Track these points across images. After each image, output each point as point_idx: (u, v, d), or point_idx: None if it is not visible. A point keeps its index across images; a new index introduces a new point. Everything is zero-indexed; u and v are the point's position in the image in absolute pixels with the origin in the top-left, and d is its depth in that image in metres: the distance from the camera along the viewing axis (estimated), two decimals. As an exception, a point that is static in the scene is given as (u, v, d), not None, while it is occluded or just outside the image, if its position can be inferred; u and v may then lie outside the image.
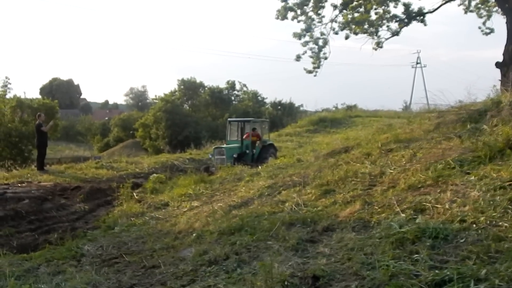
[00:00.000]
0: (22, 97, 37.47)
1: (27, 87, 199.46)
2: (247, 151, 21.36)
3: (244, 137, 21.82)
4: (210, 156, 22.22)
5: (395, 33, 16.71)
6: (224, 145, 22.63)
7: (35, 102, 35.31)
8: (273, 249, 5.71)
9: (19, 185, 14.78)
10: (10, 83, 40.13)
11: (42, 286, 5.76)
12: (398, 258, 4.51)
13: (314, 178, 9.01)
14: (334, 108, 52.76)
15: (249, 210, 8.00)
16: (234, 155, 20.48)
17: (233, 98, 57.14)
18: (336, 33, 16.46)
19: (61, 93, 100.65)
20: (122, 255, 6.89)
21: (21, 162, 28.78)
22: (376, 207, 6.29)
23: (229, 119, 24.62)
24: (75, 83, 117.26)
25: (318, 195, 7.78)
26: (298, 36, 16.54)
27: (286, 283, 4.60)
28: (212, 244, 6.47)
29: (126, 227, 8.94)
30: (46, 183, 15.58)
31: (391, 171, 7.72)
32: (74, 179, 17.28)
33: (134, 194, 12.41)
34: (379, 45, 16.75)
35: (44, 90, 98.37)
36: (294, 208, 7.28)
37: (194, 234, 7.28)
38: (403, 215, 5.59)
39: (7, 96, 34.69)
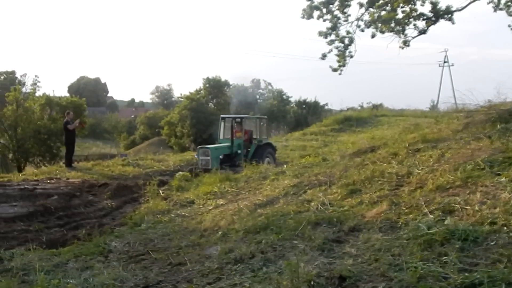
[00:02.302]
0: (51, 95, 37.98)
1: (56, 85, 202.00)
2: (239, 152, 19.43)
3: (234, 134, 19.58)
4: (196, 156, 20.02)
5: (422, 32, 16.49)
6: (211, 145, 20.37)
7: (63, 100, 35.71)
8: (299, 248, 5.68)
9: (48, 181, 15.00)
10: (39, 82, 40.51)
11: (71, 281, 5.78)
12: (426, 260, 4.44)
13: (340, 177, 8.93)
14: (359, 107, 52.45)
15: (275, 209, 7.96)
16: (220, 156, 18.74)
17: (258, 96, 57.21)
18: (362, 30, 16.32)
19: (89, 91, 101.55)
20: (149, 252, 6.91)
21: (49, 159, 29.30)
22: (404, 208, 6.21)
23: (222, 115, 22.26)
24: (102, 81, 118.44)
25: (344, 195, 7.71)
26: (324, 34, 16.38)
27: (312, 283, 4.56)
28: (238, 242, 6.45)
29: (153, 224, 8.96)
30: (74, 179, 15.77)
31: (419, 171, 7.62)
32: (101, 176, 17.47)
33: (160, 191, 12.45)
34: (406, 43, 16.51)
35: (72, 88, 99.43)
36: (320, 208, 7.23)
37: (219, 232, 7.27)
38: (431, 216, 5.51)
39: (37, 94, 35.10)
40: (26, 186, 13.52)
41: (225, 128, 20.79)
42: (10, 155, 30.57)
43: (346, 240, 5.73)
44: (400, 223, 5.73)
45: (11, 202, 11.36)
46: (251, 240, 6.38)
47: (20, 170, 26.70)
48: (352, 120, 36.13)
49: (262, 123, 21.64)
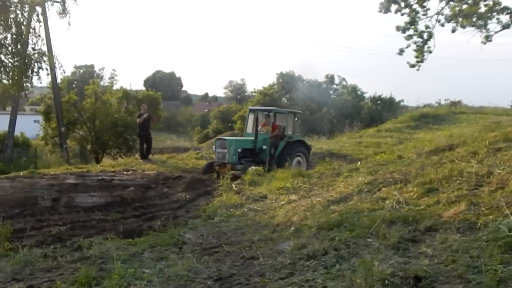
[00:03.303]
0: (128, 88, 39.18)
1: (132, 79, 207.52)
2: (264, 147, 17.56)
3: (258, 128, 17.71)
4: (213, 148, 18.81)
5: (506, 26, 15.88)
6: (229, 137, 19.44)
7: (139, 94, 36.84)
8: (373, 246, 5.63)
9: (124, 173, 15.48)
10: (116, 75, 42.15)
11: (147, 271, 5.92)
12: (507, 263, 4.33)
13: (416, 176, 8.77)
14: (436, 104, 51.19)
15: (348, 206, 7.91)
16: (239, 150, 17.03)
17: (331, 92, 56.75)
18: (442, 25, 15.87)
19: (164, 85, 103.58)
20: (222, 244, 7.00)
21: (126, 151, 30.21)
22: (483, 209, 6.04)
23: (250, 107, 20.81)
24: (177, 75, 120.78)
25: (421, 194, 7.57)
26: (402, 29, 16.06)
27: (386, 282, 4.52)
28: (311, 238, 6.45)
29: (226, 218, 9.05)
30: (150, 172, 16.22)
31: (500, 171, 7.38)
32: (176, 169, 17.89)
33: (233, 185, 12.59)
34: (488, 38, 15.95)
35: (147, 82, 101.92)
36: (395, 206, 7.13)
37: (292, 228, 7.29)
38: (513, 218, 5.34)
39: (114, 88, 36.28)
40: (104, 177, 13.99)
41: (254, 121, 18.73)
42: (89, 147, 31.76)
43: (422, 239, 5.64)
44: (479, 224, 5.59)
45: (90, 192, 11.76)
46: (324, 236, 6.38)
47: (97, 161, 27.74)
48: (429, 117, 35.17)
49: (296, 119, 19.36)
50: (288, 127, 18.59)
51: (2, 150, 28.36)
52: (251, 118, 19.04)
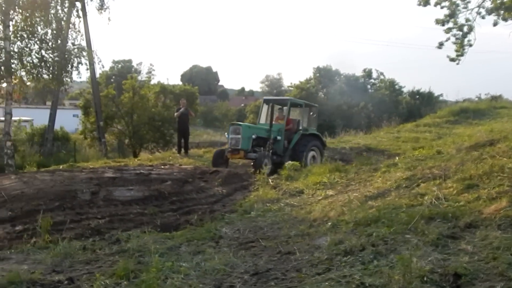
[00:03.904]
0: (165, 83, 39.52)
1: (170, 74, 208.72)
2: (278, 138, 16.97)
3: (273, 121, 17.23)
4: (225, 135, 18.23)
5: (550, 19, 15.47)
6: (244, 123, 18.75)
7: (176, 88, 37.10)
8: (412, 243, 5.59)
9: (162, 167, 15.61)
10: (154, 70, 42.61)
11: (184, 265, 5.99)
12: (550, 261, 4.25)
13: (455, 171, 8.64)
14: (477, 99, 50.08)
15: (386, 201, 7.86)
16: (253, 136, 16.52)
17: (369, 86, 56.24)
18: (483, 18, 15.50)
19: (200, 79, 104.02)
20: (258, 239, 7.03)
21: (163, 145, 30.48)
22: (526, 206, 5.94)
23: (264, 97, 19.70)
24: (214, 70, 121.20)
25: (460, 190, 7.47)
26: (441, 22, 15.69)
27: (425, 278, 4.49)
28: (348, 234, 6.44)
29: (262, 212, 9.08)
30: (187, 166, 16.33)
31: (543, 167, 7.23)
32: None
33: (270, 180, 12.60)
34: (531, 32, 15.57)
35: (184, 77, 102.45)
36: (434, 202, 7.05)
37: (329, 223, 7.28)
38: (557, 215, 5.23)
39: (151, 82, 36.64)
40: (141, 171, 14.12)
41: (267, 113, 18.27)
42: (126, 141, 32.13)
43: (462, 236, 5.57)
44: (521, 221, 5.49)
45: (128, 186, 11.87)
46: (361, 232, 6.35)
47: (135, 155, 28.06)
48: (468, 112, 34.49)
49: (311, 113, 18.99)
50: (303, 120, 18.33)
51: (42, 144, 28.91)
52: (265, 108, 18.74)
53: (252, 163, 15.96)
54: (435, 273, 4.57)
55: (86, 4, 24.38)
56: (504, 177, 7.38)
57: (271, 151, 16.51)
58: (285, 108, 18.27)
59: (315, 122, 19.27)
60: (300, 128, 17.78)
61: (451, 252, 5.15)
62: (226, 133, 18.14)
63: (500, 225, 5.58)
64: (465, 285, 4.33)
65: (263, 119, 18.55)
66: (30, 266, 6.51)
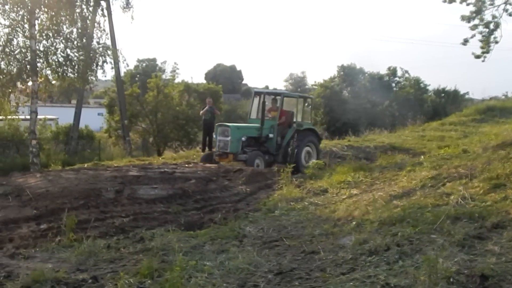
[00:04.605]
0: (189, 82, 39.70)
1: (194, 72, 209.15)
2: (270, 135, 16.07)
3: (266, 111, 16.42)
4: (215, 137, 16.95)
5: None
6: (232, 124, 17.30)
7: (200, 87, 37.22)
8: (437, 243, 5.54)
9: (186, 165, 15.66)
10: (178, 69, 42.65)
11: (207, 263, 6.02)
12: None
13: (482, 170, 8.55)
14: (503, 97, 49.32)
15: (411, 201, 7.79)
16: (243, 138, 15.59)
17: (394, 84, 55.70)
18: (510, 14, 15.25)
19: (224, 78, 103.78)
20: (282, 238, 7.02)
21: (187, 144, 30.60)
22: (554, 206, 5.84)
23: (255, 89, 17.97)
24: (238, 68, 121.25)
25: (487, 189, 7.38)
26: (467, 19, 15.49)
27: (451, 280, 4.45)
28: (372, 233, 6.40)
29: (286, 211, 9.06)
30: (211, 164, 16.36)
31: None
32: (236, 162, 17.91)
33: (294, 179, 12.56)
34: (559, 28, 15.28)
35: (208, 75, 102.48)
36: (460, 202, 6.98)
37: (353, 222, 7.24)
38: None
39: (176, 81, 36.80)
40: (165, 169, 14.16)
41: (258, 106, 17.24)
42: (151, 139, 32.37)
43: (489, 237, 5.51)
44: (550, 222, 5.41)
45: (152, 184, 11.92)
46: (386, 232, 6.32)
47: (159, 153, 28.24)
48: (495, 110, 33.98)
49: (306, 104, 17.95)
50: (298, 113, 17.30)
51: (67, 143, 29.22)
52: (255, 102, 17.71)
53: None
54: (461, 274, 4.53)
55: (111, 3, 24.57)
56: (532, 177, 7.27)
57: (263, 150, 15.87)
58: (278, 98, 17.29)
59: (310, 114, 18.42)
60: (294, 121, 16.90)
61: (477, 253, 5.09)
62: (214, 134, 17.14)
63: (529, 225, 5.51)
64: (492, 286, 4.28)
65: (254, 114, 17.66)
66: (55, 265, 6.58)
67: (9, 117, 23.65)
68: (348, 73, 51.26)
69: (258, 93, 17.79)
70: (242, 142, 15.64)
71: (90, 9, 19.30)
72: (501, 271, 4.46)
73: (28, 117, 19.58)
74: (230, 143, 15.49)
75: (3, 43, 17.95)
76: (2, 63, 18.09)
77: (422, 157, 13.11)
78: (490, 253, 4.98)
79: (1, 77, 18.24)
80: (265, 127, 16.20)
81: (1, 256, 7.29)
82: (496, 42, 15.45)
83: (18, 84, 19.08)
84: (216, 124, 17.62)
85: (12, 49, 18.13)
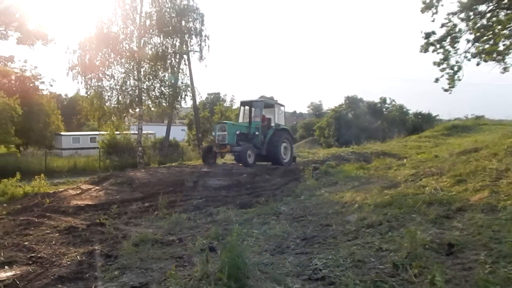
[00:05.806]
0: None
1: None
2: (257, 133, 15.44)
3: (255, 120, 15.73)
4: (213, 134, 16.06)
5: (519, 60, 14.58)
6: (228, 121, 16.91)
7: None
8: (416, 220, 5.37)
9: (240, 165, 15.69)
10: (235, 99, 43.28)
11: (255, 231, 6.04)
12: (522, 236, 3.96)
13: (449, 170, 8.25)
14: (464, 118, 47.70)
15: (397, 191, 7.57)
16: (237, 132, 14.93)
17: (384, 109, 54.64)
18: (469, 60, 14.74)
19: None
20: (306, 215, 6.95)
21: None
22: (502, 196, 5.59)
23: (241, 100, 16.94)
24: (275, 98, 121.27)
25: (452, 183, 7.11)
26: (437, 64, 15.07)
27: (427, 246, 4.30)
28: (370, 213, 6.25)
29: (309, 197, 8.97)
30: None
31: (515, 168, 6.78)
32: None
33: (314, 174, 12.43)
34: (506, 69, 14.66)
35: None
36: (433, 192, 6.75)
37: (356, 205, 7.10)
38: (527, 203, 4.89)
39: (233, 107, 37.02)
40: (226, 168, 14.27)
41: (244, 113, 16.52)
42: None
43: (454, 217, 5.30)
44: (499, 207, 5.18)
45: (217, 177, 12.03)
46: (379, 212, 6.16)
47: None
48: (458, 128, 32.84)
49: (280, 112, 16.95)
50: (276, 117, 16.51)
51: (161, 149, 29.76)
52: (242, 110, 16.80)
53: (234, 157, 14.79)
54: (434, 243, 4.37)
55: (190, 56, 24.90)
56: (486, 175, 6.98)
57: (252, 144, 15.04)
58: (260, 105, 16.10)
59: (284, 118, 17.33)
60: (273, 124, 16.20)
61: (446, 228, 4.91)
62: (213, 132, 16.19)
63: (483, 209, 5.28)
64: (457, 252, 4.11)
65: (241, 119, 16.70)
66: (154, 230, 6.75)
67: (124, 132, 24.31)
68: (352, 101, 50.65)
69: (243, 103, 16.85)
70: (237, 135, 14.92)
71: (177, 60, 19.75)
72: (463, 241, 4.29)
73: (136, 132, 20.07)
74: (227, 136, 14.65)
75: (121, 83, 18.55)
76: (120, 96, 18.72)
77: (405, 160, 12.77)
78: (455, 228, 4.79)
79: (119, 106, 18.83)
80: (252, 126, 15.64)
81: (119, 224, 7.46)
82: (459, 80, 14.96)
83: (130, 110, 19.65)
84: (215, 122, 17.64)
85: (126, 87, 18.75)
